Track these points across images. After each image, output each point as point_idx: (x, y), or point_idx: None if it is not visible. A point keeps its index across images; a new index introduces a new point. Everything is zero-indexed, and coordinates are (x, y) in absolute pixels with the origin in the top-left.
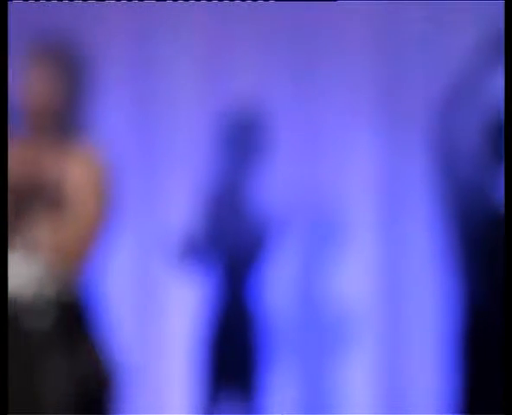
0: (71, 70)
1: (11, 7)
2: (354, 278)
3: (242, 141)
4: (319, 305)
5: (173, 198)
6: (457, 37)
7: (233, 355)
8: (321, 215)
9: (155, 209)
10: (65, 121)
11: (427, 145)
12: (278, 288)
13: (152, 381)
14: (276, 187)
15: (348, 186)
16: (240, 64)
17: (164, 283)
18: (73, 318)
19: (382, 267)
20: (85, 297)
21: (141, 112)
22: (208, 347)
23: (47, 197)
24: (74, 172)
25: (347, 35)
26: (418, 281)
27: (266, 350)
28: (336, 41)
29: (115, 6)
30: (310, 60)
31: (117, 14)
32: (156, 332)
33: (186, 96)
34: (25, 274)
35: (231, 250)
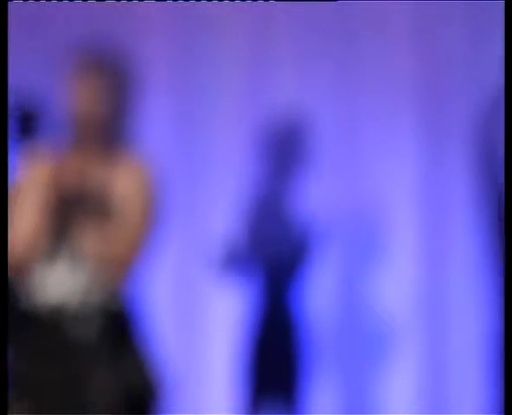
0: (118, 80)
1: (60, 16)
2: (396, 287)
3: (284, 151)
4: (361, 313)
5: (216, 207)
6: (500, 45)
7: (275, 363)
8: (363, 224)
9: (198, 218)
10: (112, 131)
11: (469, 153)
12: (320, 296)
13: (195, 390)
14: (318, 196)
15: (390, 195)
16: (282, 75)
17: (207, 291)
18: (118, 327)
19: (424, 276)
20: (130, 306)
21: (184, 123)
22: (250, 356)
23: (94, 207)
24: (121, 182)
25: (388, 45)
26: (459, 290)
27: (308, 358)
28: (378, 50)
29: (161, 19)
30: (351, 70)
31: (163, 27)
32: (199, 340)
33: (229, 106)
34: (71, 283)
35: (273, 259)
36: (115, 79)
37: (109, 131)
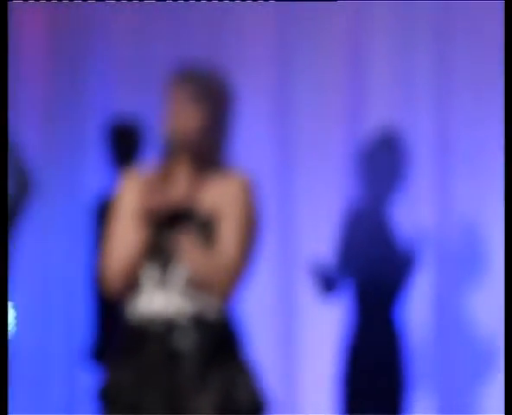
0: (216, 100)
1: (157, 37)
2: (494, 304)
3: (383, 167)
4: (460, 329)
5: (313, 225)
6: None
7: (374, 379)
8: (460, 241)
9: (295, 235)
10: (211, 151)
11: None
12: (418, 312)
13: (293, 406)
14: (416, 212)
15: (486, 212)
16: (381, 91)
17: (305, 308)
18: (223, 342)
19: None
20: (234, 322)
21: (281, 142)
22: (349, 371)
23: (196, 223)
24: (223, 199)
25: (484, 61)
26: None
27: (409, 373)
28: (473, 65)
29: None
30: (449, 86)
31: (258, 48)
32: (298, 355)
33: (326, 122)
34: (178, 299)
35: (372, 275)
36: (213, 98)
37: (208, 150)
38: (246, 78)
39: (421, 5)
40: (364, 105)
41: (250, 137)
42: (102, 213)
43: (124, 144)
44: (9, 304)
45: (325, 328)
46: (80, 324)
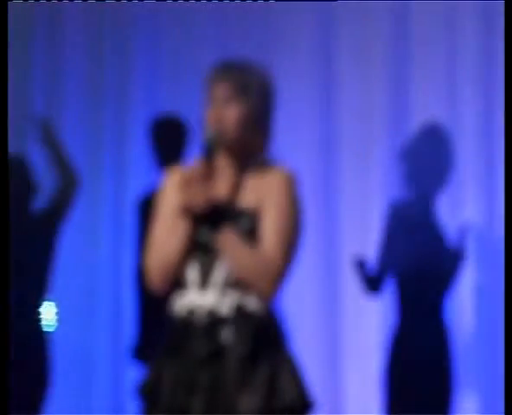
0: (256, 93)
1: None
2: None
3: (427, 165)
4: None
5: (357, 221)
6: None
7: (420, 378)
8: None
9: (338, 233)
10: (253, 145)
11: None
12: (464, 310)
13: (340, 406)
14: (461, 209)
15: None
16: (424, 89)
17: (350, 306)
18: (267, 338)
19: None
20: (276, 318)
21: (323, 140)
22: (394, 370)
23: (239, 221)
24: (266, 196)
25: None
26: None
27: (456, 372)
28: None
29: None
30: (493, 83)
31: (302, 47)
32: (342, 354)
33: (370, 121)
34: (218, 294)
35: (417, 273)
36: (254, 93)
37: (251, 147)
38: (290, 78)
39: (463, 6)
40: (408, 104)
41: (294, 137)
42: (146, 210)
43: (168, 142)
44: (50, 303)
45: (370, 326)
46: (125, 321)
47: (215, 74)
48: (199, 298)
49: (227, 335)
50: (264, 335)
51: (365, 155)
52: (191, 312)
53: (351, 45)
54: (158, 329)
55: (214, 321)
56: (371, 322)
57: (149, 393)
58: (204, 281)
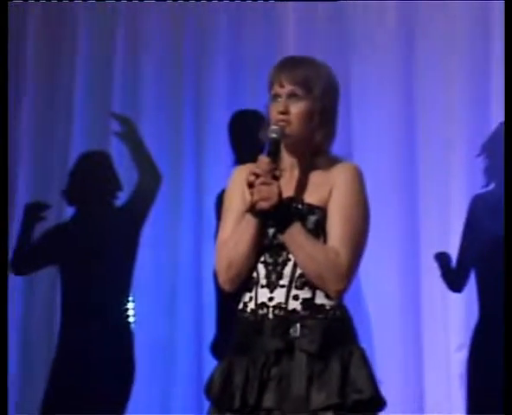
0: (322, 88)
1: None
2: None
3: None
4: None
5: (438, 217)
6: None
7: (500, 377)
8: None
9: (419, 229)
10: (319, 140)
11: None
12: None
13: (420, 404)
14: None
15: None
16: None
17: (430, 302)
18: (339, 335)
19: None
20: (348, 315)
21: (403, 137)
22: (474, 368)
23: (306, 217)
24: (333, 192)
25: None
26: None
27: None
28: None
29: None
30: None
31: (383, 42)
32: (421, 351)
33: (452, 118)
34: (287, 292)
35: (499, 268)
36: (319, 87)
37: (318, 142)
38: (370, 74)
39: None
40: (488, 102)
41: (375, 134)
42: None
43: (248, 139)
44: (132, 301)
45: (450, 322)
46: (206, 320)
47: (279, 70)
48: (268, 295)
49: (296, 331)
50: (334, 331)
51: (447, 150)
52: (261, 309)
53: (434, 43)
54: (230, 327)
55: (284, 317)
56: (452, 317)
57: (218, 391)
58: (273, 278)
